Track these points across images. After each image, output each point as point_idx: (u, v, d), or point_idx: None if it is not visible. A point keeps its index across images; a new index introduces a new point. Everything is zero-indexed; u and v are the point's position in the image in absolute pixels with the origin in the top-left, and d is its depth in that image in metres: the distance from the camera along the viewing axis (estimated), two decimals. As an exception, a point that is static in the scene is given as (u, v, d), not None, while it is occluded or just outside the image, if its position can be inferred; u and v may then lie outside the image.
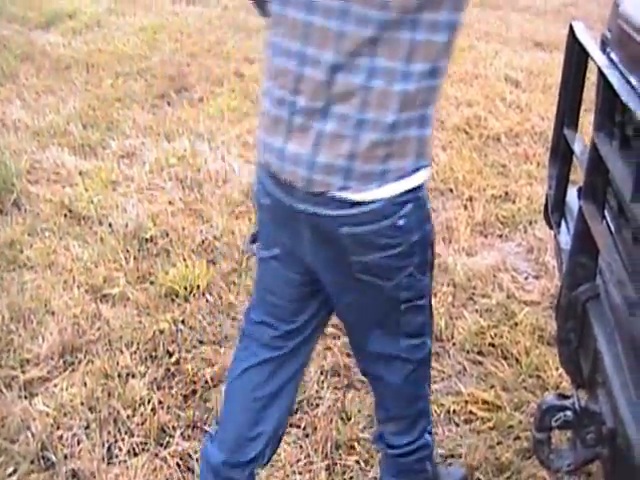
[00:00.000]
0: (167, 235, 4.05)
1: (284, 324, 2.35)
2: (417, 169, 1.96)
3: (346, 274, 2.14)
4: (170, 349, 3.28)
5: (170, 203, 4.36)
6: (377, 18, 1.80)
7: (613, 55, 2.49)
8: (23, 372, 3.13)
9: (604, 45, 2.67)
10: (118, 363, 3.17)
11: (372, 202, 1.95)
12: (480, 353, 3.26)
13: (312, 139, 1.95)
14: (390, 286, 2.16)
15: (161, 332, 3.35)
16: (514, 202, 4.47)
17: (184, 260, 3.80)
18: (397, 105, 1.87)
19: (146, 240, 4.01)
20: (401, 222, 2.00)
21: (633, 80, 2.18)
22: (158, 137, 5.24)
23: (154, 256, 3.89)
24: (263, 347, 2.38)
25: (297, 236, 2.12)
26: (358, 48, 1.84)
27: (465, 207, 4.37)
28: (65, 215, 4.27)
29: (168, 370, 3.17)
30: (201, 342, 3.33)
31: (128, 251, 3.89)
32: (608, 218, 2.39)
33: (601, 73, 2.24)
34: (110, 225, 4.15)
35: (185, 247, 3.93)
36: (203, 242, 3.99)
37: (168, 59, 6.84)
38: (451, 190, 4.55)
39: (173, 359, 3.23)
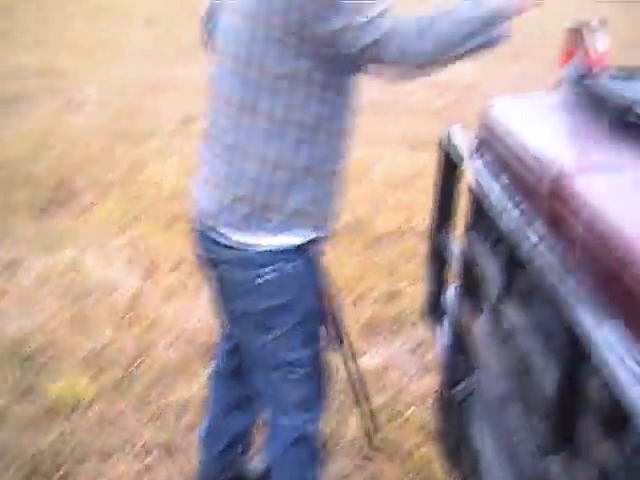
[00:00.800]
0: (53, 347, 3.97)
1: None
2: (282, 231, 2.25)
3: (227, 317, 2.51)
4: (57, 463, 3.19)
5: (55, 315, 4.28)
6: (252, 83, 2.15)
7: (484, 157, 2.59)
8: None
9: (476, 146, 2.78)
10: (1, 483, 3.09)
11: (239, 249, 2.26)
12: (368, 454, 3.27)
13: (209, 183, 2.33)
14: (258, 345, 2.42)
15: (48, 447, 3.27)
16: (400, 301, 4.54)
17: (70, 372, 3.73)
18: (265, 165, 2.19)
19: (29, 354, 3.91)
20: (259, 281, 2.27)
21: (501, 181, 2.28)
22: (42, 247, 5.15)
23: (38, 370, 3.81)
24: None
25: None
26: (239, 110, 2.17)
27: (353, 306, 4.42)
28: (-55, 329, 4.16)
29: (55, 486, 3.10)
30: (88, 455, 3.25)
31: (10, 366, 3.79)
32: (482, 317, 2.46)
33: (472, 175, 2.33)
34: (-8, 339, 4.05)
35: (70, 359, 3.86)
36: (90, 353, 3.92)
37: (54, 166, 6.74)
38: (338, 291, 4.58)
39: (61, 472, 3.15)
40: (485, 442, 2.00)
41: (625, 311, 1.45)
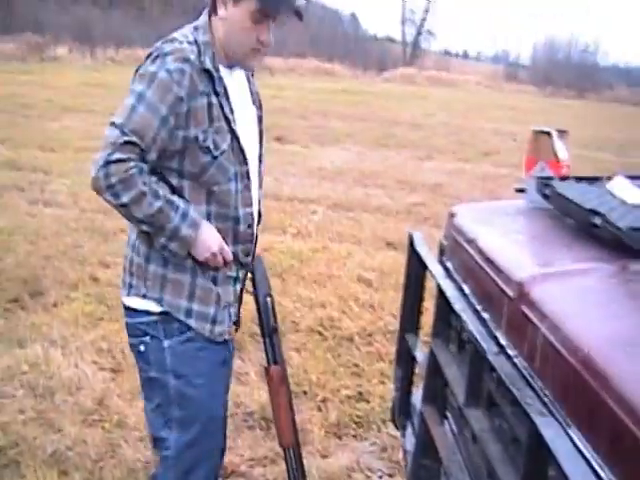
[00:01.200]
0: (17, 445, 3.91)
1: None
2: (145, 296, 2.46)
3: None
4: None
5: (21, 412, 4.23)
6: None
7: (449, 263, 2.64)
8: None
9: (442, 252, 2.83)
10: None
11: (129, 313, 2.52)
12: None
13: None
14: (145, 409, 2.62)
15: None
16: (368, 401, 4.53)
17: (35, 471, 3.67)
18: (136, 233, 2.46)
19: (-3, 450, 3.87)
20: (142, 348, 2.49)
21: (466, 289, 2.32)
22: (10, 343, 5.13)
23: (3, 467, 3.75)
24: None
25: None
26: None
27: (319, 409, 4.41)
28: None
29: None
30: None
31: (-23, 463, 3.76)
32: (450, 419, 2.48)
33: (437, 282, 2.38)
34: (-44, 437, 4.00)
35: (36, 458, 3.80)
36: (55, 452, 3.85)
37: (23, 262, 6.75)
38: (305, 392, 4.59)
39: None
40: None
41: (585, 419, 1.49)
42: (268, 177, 10.69)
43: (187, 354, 2.48)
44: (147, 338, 2.47)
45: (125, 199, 2.27)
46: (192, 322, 2.47)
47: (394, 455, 4.01)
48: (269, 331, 2.73)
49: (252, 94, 2.64)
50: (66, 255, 7.07)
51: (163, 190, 2.35)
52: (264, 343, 2.75)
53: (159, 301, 2.45)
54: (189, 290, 2.46)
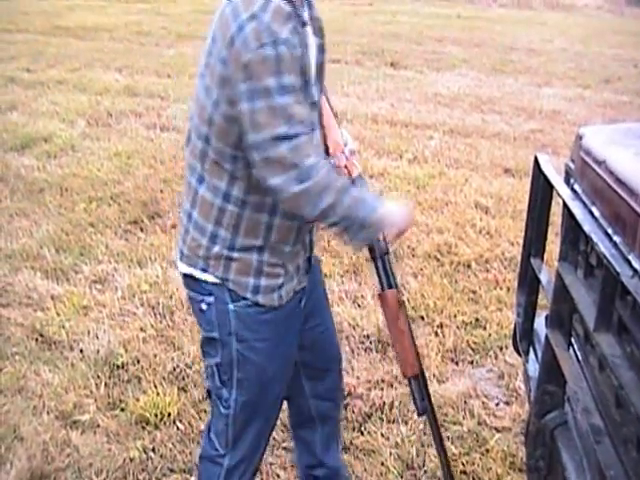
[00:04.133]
0: (138, 362, 4.02)
1: None
2: (205, 271, 2.32)
3: None
4: (140, 477, 3.25)
5: (142, 329, 4.35)
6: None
7: (576, 186, 2.56)
8: (-10, 500, 3.08)
9: (568, 175, 2.74)
10: (87, 491, 3.14)
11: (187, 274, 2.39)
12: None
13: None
14: (205, 364, 2.53)
15: (131, 460, 3.32)
16: (485, 328, 4.50)
17: (155, 387, 3.78)
18: (214, 217, 2.28)
19: (117, 366, 3.99)
20: (203, 306, 2.38)
21: (595, 211, 2.25)
22: (130, 263, 5.25)
23: (125, 382, 3.87)
24: None
25: None
26: (196, 160, 2.30)
27: (436, 334, 4.40)
28: (36, 339, 4.25)
29: (138, 499, 3.14)
30: (171, 470, 3.29)
31: (99, 377, 3.87)
32: (575, 346, 2.42)
33: (565, 204, 2.31)
34: (81, 351, 4.13)
35: (156, 374, 3.91)
36: (174, 369, 3.96)
37: (141, 185, 6.88)
38: (422, 317, 4.57)
39: (144, 486, 3.19)
40: (577, 473, 1.97)
41: None
42: (383, 102, 10.66)
43: (251, 318, 2.36)
44: (211, 298, 2.35)
45: (324, 205, 2.15)
46: (260, 298, 2.34)
47: (511, 383, 3.97)
48: (380, 253, 2.54)
49: (312, 20, 2.31)
50: (182, 179, 7.12)
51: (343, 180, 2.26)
52: (375, 267, 2.55)
53: (224, 280, 2.32)
54: (256, 268, 2.32)
